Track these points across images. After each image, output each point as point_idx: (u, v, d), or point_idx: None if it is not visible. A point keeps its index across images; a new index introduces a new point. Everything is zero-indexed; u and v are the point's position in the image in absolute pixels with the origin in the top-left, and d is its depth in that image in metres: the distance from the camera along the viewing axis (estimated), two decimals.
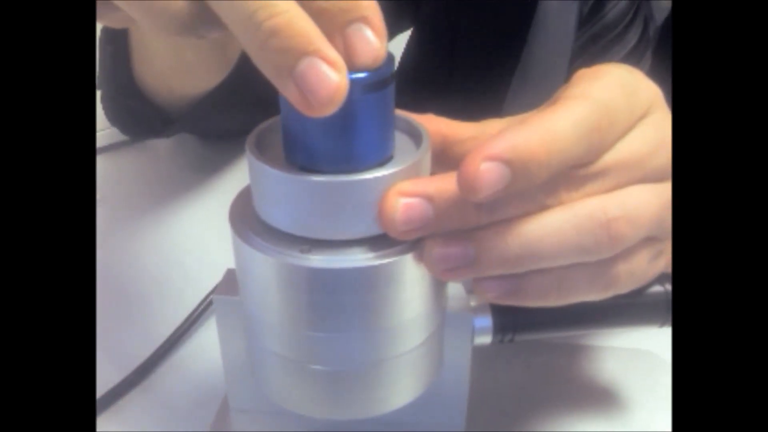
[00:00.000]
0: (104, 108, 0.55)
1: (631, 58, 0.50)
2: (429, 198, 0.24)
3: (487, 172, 0.23)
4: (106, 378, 0.37)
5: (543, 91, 0.38)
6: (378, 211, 0.24)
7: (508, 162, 0.23)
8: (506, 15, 0.53)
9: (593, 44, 0.51)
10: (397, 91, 0.25)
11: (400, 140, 0.27)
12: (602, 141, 0.26)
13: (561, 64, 0.52)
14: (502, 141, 0.23)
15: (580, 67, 0.50)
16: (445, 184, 0.24)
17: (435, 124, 0.29)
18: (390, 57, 0.25)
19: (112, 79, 0.53)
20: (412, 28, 0.66)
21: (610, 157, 0.26)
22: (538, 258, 0.25)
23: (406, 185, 0.24)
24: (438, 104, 0.34)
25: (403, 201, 0.24)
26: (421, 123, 0.27)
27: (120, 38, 0.51)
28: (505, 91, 0.54)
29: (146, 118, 0.54)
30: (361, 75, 0.23)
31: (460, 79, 0.57)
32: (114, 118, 0.55)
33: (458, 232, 0.25)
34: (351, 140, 0.24)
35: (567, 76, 0.49)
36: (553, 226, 0.25)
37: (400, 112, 0.27)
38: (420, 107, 0.31)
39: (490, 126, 0.29)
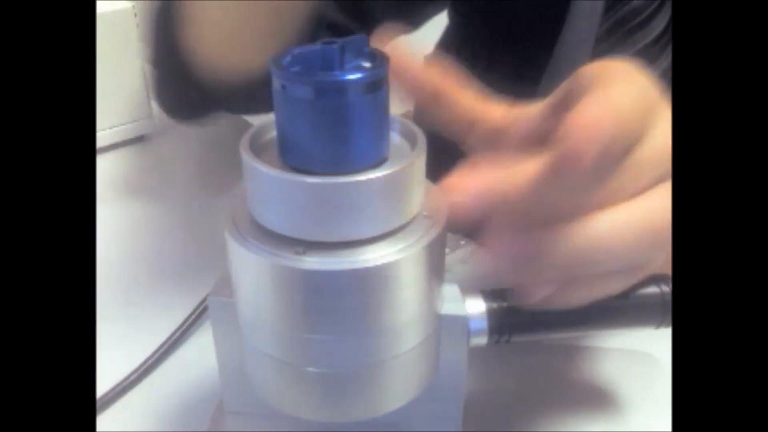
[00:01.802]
0: (155, 92, 0.53)
1: (658, 44, 0.50)
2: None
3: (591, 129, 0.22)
4: (105, 379, 0.37)
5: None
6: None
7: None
8: (544, 3, 0.53)
9: (619, 28, 0.50)
10: None
11: (395, 142, 0.27)
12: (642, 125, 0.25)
13: (587, 50, 0.52)
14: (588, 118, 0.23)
15: (604, 51, 0.49)
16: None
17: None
18: (385, 58, 0.24)
19: (163, 56, 0.51)
20: (448, 16, 0.65)
21: (644, 150, 0.25)
22: (594, 262, 0.24)
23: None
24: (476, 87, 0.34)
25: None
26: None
27: (172, 13, 0.48)
28: (539, 79, 0.54)
29: (195, 101, 0.52)
30: (356, 76, 0.23)
31: (498, 67, 0.56)
32: (164, 102, 0.53)
33: (521, 230, 0.24)
34: (346, 141, 0.24)
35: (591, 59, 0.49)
36: (614, 229, 0.24)
37: (394, 114, 0.27)
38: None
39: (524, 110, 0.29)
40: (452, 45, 0.63)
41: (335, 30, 0.58)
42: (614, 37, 0.51)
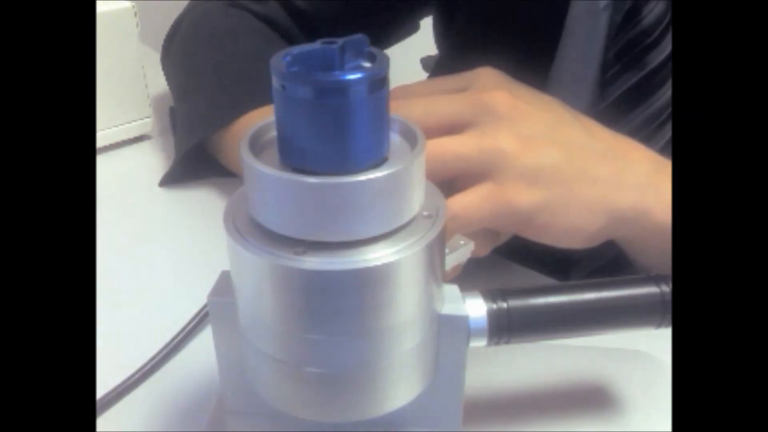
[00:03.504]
0: (180, 165, 0.56)
1: (669, 64, 0.50)
2: None
3: None
4: (106, 380, 0.37)
5: (573, 102, 0.39)
6: None
7: None
8: (537, 27, 0.53)
9: (630, 51, 0.50)
10: None
11: (395, 142, 0.27)
12: None
13: (591, 73, 0.52)
14: None
15: (617, 75, 0.52)
16: None
17: None
18: (385, 58, 0.24)
19: (199, 155, 0.56)
20: (436, 46, 0.67)
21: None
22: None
23: None
24: None
25: None
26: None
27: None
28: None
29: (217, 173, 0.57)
30: (356, 76, 0.23)
31: None
32: (183, 171, 0.57)
33: None
34: (345, 141, 0.24)
35: (599, 84, 0.50)
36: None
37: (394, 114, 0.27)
38: None
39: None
40: (450, 62, 0.64)
41: (285, 34, 0.61)
42: (625, 60, 0.51)
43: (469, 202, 0.35)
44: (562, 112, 0.38)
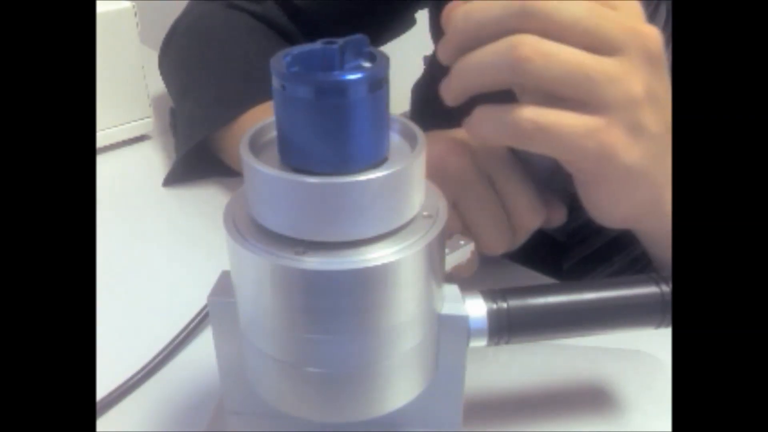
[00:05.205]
0: (182, 164, 0.56)
1: (663, 35, 0.50)
2: None
3: None
4: (105, 380, 0.37)
5: None
6: None
7: None
8: None
9: None
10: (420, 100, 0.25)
11: (395, 142, 0.27)
12: None
13: None
14: None
15: None
16: None
17: None
18: (385, 58, 0.24)
19: (201, 155, 0.56)
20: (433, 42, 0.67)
21: None
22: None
23: None
24: (467, 109, 0.36)
25: None
26: None
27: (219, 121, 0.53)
28: None
29: (219, 172, 0.57)
30: (356, 76, 0.23)
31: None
32: (185, 171, 0.57)
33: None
34: (346, 141, 0.24)
35: None
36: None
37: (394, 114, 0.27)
38: (446, 116, 0.34)
39: None
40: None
41: (283, 33, 0.61)
42: None
43: (576, 128, 0.32)
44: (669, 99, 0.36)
